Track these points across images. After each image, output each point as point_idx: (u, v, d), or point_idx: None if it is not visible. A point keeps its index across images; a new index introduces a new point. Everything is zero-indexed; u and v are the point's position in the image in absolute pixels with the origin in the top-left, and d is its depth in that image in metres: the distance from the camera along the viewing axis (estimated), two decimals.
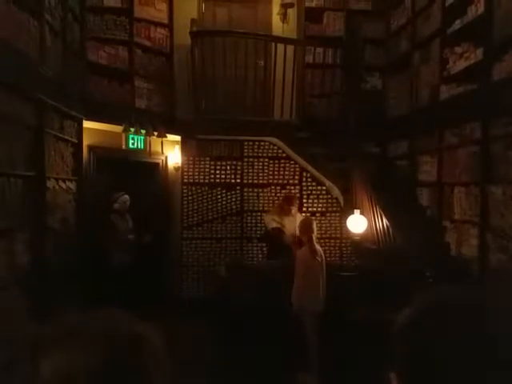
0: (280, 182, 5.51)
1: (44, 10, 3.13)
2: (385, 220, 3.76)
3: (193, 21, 4.86)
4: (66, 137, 3.70)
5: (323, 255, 3.79)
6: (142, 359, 0.55)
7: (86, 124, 4.15)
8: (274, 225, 4.73)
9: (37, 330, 0.56)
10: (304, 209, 5.49)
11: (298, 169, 5.51)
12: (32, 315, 2.75)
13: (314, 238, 3.73)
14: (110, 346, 0.52)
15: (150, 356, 0.55)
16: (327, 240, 5.47)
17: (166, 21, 5.06)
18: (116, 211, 4.73)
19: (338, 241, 5.53)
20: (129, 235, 4.73)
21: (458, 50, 3.68)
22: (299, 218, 4.69)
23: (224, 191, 5.46)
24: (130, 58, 4.69)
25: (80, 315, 0.58)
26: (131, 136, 4.59)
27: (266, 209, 5.38)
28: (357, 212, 3.95)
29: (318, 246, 3.77)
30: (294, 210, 4.80)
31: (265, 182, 5.49)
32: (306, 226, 3.85)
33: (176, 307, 4.85)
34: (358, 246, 4.41)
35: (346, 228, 4.18)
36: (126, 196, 4.82)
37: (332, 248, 5.51)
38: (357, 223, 3.94)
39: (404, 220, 3.82)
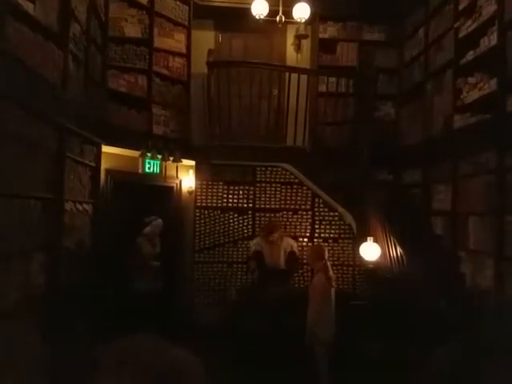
0: (292, 207, 5.51)
1: (68, 41, 3.27)
2: (399, 248, 3.72)
3: (209, 51, 5.01)
4: (84, 161, 3.79)
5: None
6: None
7: (105, 148, 4.26)
8: (254, 249, 4.85)
9: (88, 357, 0.58)
10: (316, 235, 5.47)
11: (310, 194, 5.51)
12: (45, 337, 2.76)
13: (328, 265, 3.74)
14: (154, 374, 0.54)
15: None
16: (339, 267, 5.40)
17: (183, 51, 5.22)
18: (145, 235, 4.76)
19: (350, 268, 5.46)
20: (154, 261, 4.70)
21: (472, 80, 3.72)
22: (287, 242, 4.85)
23: (236, 215, 5.48)
24: (148, 86, 4.82)
25: (125, 343, 0.59)
26: (147, 161, 4.69)
27: None
28: (370, 240, 3.93)
29: (331, 273, 3.76)
30: (275, 235, 4.81)
31: (277, 206, 5.50)
32: (318, 254, 3.84)
33: (187, 330, 4.79)
34: (372, 274, 4.36)
35: (359, 255, 4.15)
36: (160, 220, 4.83)
37: (345, 275, 5.43)
38: (370, 251, 3.90)
39: (418, 249, 3.77)
